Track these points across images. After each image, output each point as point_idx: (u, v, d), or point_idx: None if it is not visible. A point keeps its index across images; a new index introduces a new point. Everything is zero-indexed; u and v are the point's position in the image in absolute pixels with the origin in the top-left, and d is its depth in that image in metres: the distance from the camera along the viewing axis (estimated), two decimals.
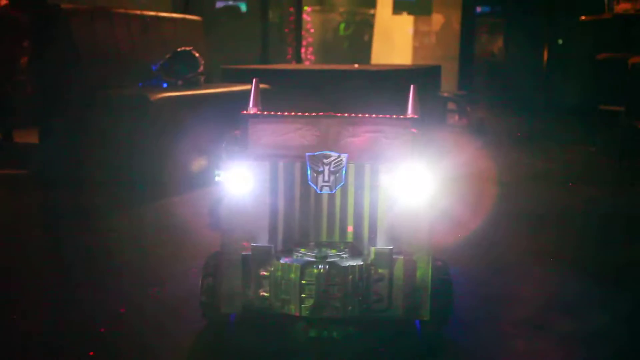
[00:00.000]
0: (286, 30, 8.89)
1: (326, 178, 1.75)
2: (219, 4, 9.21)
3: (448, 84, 7.88)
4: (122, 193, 3.44)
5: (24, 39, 4.71)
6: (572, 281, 2.34)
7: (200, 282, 1.83)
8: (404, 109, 1.90)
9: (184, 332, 1.85)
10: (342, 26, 10.49)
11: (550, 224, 3.13)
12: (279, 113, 1.83)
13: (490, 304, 2.12)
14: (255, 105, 1.92)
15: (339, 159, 1.75)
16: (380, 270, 1.70)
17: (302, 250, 1.70)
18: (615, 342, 1.87)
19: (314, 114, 1.82)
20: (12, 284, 2.27)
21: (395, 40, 10.61)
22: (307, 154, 1.76)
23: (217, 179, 1.78)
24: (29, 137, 4.54)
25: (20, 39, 4.85)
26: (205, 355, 1.76)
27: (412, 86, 1.92)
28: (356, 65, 5.95)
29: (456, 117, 6.68)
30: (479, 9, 9.32)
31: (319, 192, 1.75)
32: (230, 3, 9.40)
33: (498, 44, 9.31)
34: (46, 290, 2.20)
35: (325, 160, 1.75)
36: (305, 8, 9.41)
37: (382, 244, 1.74)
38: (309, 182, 1.76)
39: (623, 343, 1.87)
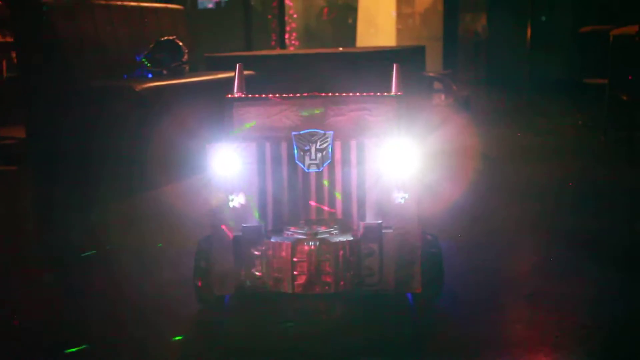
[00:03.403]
0: (269, 17, 8.87)
1: (313, 156, 1.77)
2: None
3: (433, 63, 7.89)
4: (111, 185, 3.44)
5: (6, 34, 4.70)
6: (561, 250, 2.37)
7: (194, 265, 1.85)
8: (389, 89, 1.92)
9: (179, 316, 1.87)
10: (325, 11, 10.47)
11: (537, 196, 3.16)
12: (263, 95, 1.84)
13: (480, 275, 2.14)
14: (239, 90, 1.93)
15: (325, 137, 1.76)
16: (370, 245, 1.72)
17: (293, 229, 1.72)
18: (603, 307, 1.90)
19: (298, 94, 1.84)
20: (6, 279, 2.29)
21: (379, 23, 10.60)
22: (293, 133, 1.77)
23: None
24: (16, 133, 4.52)
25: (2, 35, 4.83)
26: (202, 338, 1.78)
27: (394, 65, 1.94)
28: (340, 49, 5.95)
29: (442, 97, 6.69)
30: None
31: (306, 170, 1.77)
32: None
33: (482, 22, 9.32)
34: (42, 281, 2.22)
35: (311, 139, 1.77)
36: None
37: (371, 218, 1.76)
38: (296, 161, 1.78)
39: (611, 307, 1.90)
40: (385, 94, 1.86)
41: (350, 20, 10.50)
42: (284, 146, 1.79)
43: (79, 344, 1.72)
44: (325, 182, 1.78)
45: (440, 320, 1.83)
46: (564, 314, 1.84)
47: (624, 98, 4.47)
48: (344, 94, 1.85)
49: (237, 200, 1.77)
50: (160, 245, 2.51)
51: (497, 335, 1.74)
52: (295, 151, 1.77)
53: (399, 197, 1.76)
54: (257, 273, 1.73)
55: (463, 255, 2.31)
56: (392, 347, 1.67)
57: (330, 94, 1.85)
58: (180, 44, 4.20)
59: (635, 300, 1.95)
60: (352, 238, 1.70)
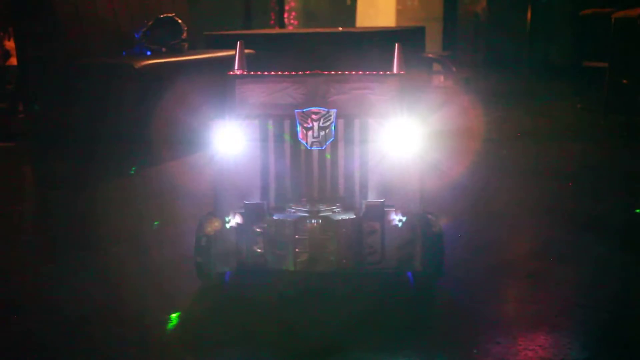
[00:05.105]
0: None
1: (316, 134, 1.76)
2: None
3: (432, 45, 7.86)
4: (111, 162, 3.43)
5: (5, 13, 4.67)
6: (560, 231, 2.37)
7: (195, 243, 1.85)
8: (388, 69, 1.91)
9: (180, 293, 1.87)
10: None
11: (538, 178, 3.16)
12: (265, 73, 1.84)
13: (481, 255, 2.15)
14: (240, 67, 1.92)
15: (328, 115, 1.76)
16: (372, 224, 1.72)
17: (295, 206, 1.72)
18: (602, 288, 1.91)
19: (300, 72, 1.83)
20: (7, 254, 2.29)
21: (378, 4, 10.54)
22: (295, 110, 1.77)
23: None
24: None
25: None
26: (202, 315, 1.78)
27: (396, 44, 1.93)
28: (340, 29, 5.92)
29: (442, 78, 6.67)
30: None
31: (309, 148, 1.77)
32: None
33: (482, 4, 9.27)
34: (41, 257, 2.22)
35: (314, 117, 1.76)
36: None
37: (373, 197, 1.76)
38: (299, 139, 1.77)
39: (610, 289, 1.91)
40: (388, 73, 1.85)
41: (349, 1, 10.43)
42: (286, 124, 1.78)
43: (79, 321, 1.72)
44: (327, 156, 1.77)
45: (441, 298, 1.83)
46: (563, 294, 1.84)
47: (624, 82, 4.45)
48: (346, 73, 1.84)
49: (239, 178, 1.77)
50: (157, 223, 2.51)
51: (496, 314, 1.74)
52: (298, 129, 1.77)
53: (401, 177, 1.76)
54: (258, 250, 1.73)
55: (465, 235, 2.31)
56: (391, 325, 1.68)
57: (332, 72, 1.84)
58: (180, 21, 4.17)
59: (634, 281, 1.96)
60: (354, 216, 1.70)
